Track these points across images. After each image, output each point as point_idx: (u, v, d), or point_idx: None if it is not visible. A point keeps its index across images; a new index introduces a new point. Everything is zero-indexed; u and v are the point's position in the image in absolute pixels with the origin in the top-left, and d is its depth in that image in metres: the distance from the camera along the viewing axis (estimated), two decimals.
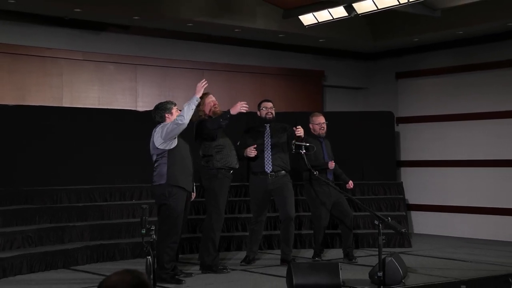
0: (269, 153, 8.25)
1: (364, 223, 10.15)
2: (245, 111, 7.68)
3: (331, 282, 6.53)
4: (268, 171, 8.23)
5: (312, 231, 9.09)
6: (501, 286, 7.16)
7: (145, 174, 8.93)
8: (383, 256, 6.04)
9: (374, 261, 6.83)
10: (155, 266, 5.81)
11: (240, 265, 8.25)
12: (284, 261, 8.13)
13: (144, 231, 5.71)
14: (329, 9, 9.63)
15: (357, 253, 9.05)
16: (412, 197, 12.01)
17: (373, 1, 9.16)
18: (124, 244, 8.81)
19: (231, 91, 11.26)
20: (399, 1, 8.93)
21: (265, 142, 8.31)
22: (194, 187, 7.59)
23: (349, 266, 8.15)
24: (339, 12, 9.57)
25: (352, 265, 8.36)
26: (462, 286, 6.40)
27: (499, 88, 11.21)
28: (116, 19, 10.15)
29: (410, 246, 9.91)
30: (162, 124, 7.20)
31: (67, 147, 9.34)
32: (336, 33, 11.12)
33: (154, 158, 7.26)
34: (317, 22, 9.96)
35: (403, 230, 7.41)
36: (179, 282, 7.12)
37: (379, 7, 9.21)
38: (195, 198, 7.75)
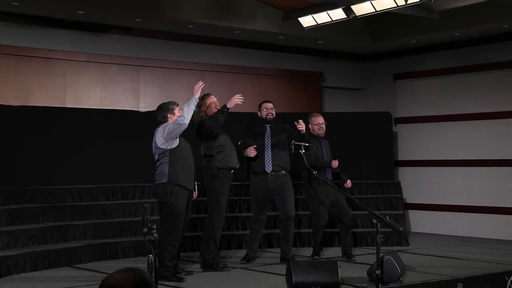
0: (269, 153, 8.25)
1: (363, 222, 10.15)
2: (241, 103, 7.66)
3: (330, 280, 6.53)
4: (268, 171, 8.23)
5: (311, 230, 9.09)
6: (497, 283, 7.16)
7: (146, 173, 8.95)
8: (381, 255, 6.03)
9: (372, 259, 6.83)
10: (157, 264, 5.81)
11: (241, 263, 8.25)
12: (283, 259, 8.13)
13: (146, 230, 5.71)
14: (328, 11, 9.62)
15: (356, 251, 9.05)
16: (409, 196, 12.01)
17: (371, 3, 9.15)
18: (126, 242, 8.81)
19: (231, 91, 11.18)
20: (397, 4, 8.92)
21: (265, 142, 8.31)
22: (196, 186, 7.58)
23: (347, 264, 8.15)
24: (338, 14, 9.56)
25: (351, 263, 8.36)
26: (458, 284, 6.39)
27: (496, 89, 11.21)
28: (119, 21, 10.15)
29: (407, 244, 9.92)
30: (164, 124, 7.21)
31: (70, 147, 9.34)
32: (335, 35, 11.12)
33: (156, 157, 7.26)
34: (316, 24, 9.95)
35: (400, 228, 7.43)
36: (180, 280, 7.12)
37: (377, 9, 9.20)
38: (196, 197, 7.74)
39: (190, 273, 7.49)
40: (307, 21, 10.03)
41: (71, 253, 8.21)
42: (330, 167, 8.70)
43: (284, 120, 8.69)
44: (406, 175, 12.18)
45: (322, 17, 9.80)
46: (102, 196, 9.42)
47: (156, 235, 5.71)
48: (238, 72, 11.61)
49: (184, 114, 7.03)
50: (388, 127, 11.78)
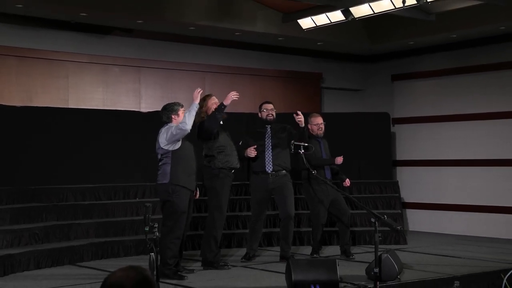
0: (269, 154, 8.25)
1: (361, 221, 10.15)
2: (236, 99, 7.66)
3: (329, 278, 6.53)
4: (269, 171, 8.23)
5: (310, 229, 9.09)
6: (493, 281, 7.16)
7: (148, 173, 8.96)
8: (379, 253, 6.03)
9: (371, 257, 6.83)
10: (158, 262, 5.81)
11: (241, 261, 8.25)
12: (283, 257, 8.13)
13: (147, 229, 5.71)
14: (327, 13, 9.64)
15: (354, 250, 9.05)
16: (407, 196, 12.01)
17: (369, 6, 9.16)
18: (128, 241, 8.81)
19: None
20: (395, 6, 8.93)
21: (266, 142, 8.31)
22: (197, 186, 7.58)
23: (346, 262, 8.15)
24: (337, 16, 9.57)
25: (349, 261, 8.36)
26: (455, 282, 6.38)
27: (493, 89, 11.21)
28: (120, 23, 10.16)
29: (405, 243, 9.91)
30: (167, 126, 7.21)
31: (72, 147, 9.34)
32: (334, 36, 11.12)
33: (159, 157, 7.26)
34: (315, 25, 9.96)
35: (398, 227, 7.42)
36: (181, 278, 7.12)
37: (375, 11, 9.21)
38: (198, 197, 7.72)
39: (191, 271, 7.49)
40: (306, 23, 10.04)
41: (73, 252, 8.21)
42: (334, 164, 8.69)
43: (284, 121, 8.69)
44: (404, 175, 12.18)
45: (321, 19, 9.81)
46: (104, 196, 9.42)
47: (157, 233, 5.71)
48: (238, 73, 11.61)
49: (185, 121, 7.04)
50: (386, 127, 11.78)
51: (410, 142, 12.27)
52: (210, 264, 7.71)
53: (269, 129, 8.37)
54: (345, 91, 13.15)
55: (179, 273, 7.23)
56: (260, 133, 8.38)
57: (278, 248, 8.62)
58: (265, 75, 11.96)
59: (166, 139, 7.12)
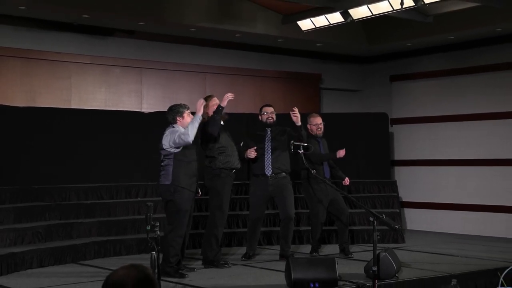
0: (269, 156, 8.26)
1: (360, 220, 10.15)
2: (232, 98, 7.65)
3: (328, 276, 6.53)
4: (268, 174, 8.23)
5: (309, 228, 9.09)
6: (490, 279, 7.16)
7: (149, 172, 8.97)
8: (377, 252, 6.03)
9: (369, 256, 6.82)
10: (160, 261, 5.81)
11: (241, 260, 8.25)
12: (283, 256, 8.13)
13: (149, 228, 5.71)
14: (326, 15, 9.64)
15: (353, 248, 9.04)
16: (405, 195, 12.01)
17: (368, 7, 9.17)
18: (129, 240, 8.81)
19: (232, 93, 11.23)
20: (393, 7, 8.93)
21: (266, 145, 8.31)
22: (198, 187, 7.57)
23: (345, 261, 8.15)
24: (336, 17, 9.58)
25: (348, 260, 8.36)
26: (453, 280, 6.37)
27: (489, 90, 11.21)
28: (122, 24, 10.16)
29: (403, 241, 9.91)
30: (172, 129, 7.19)
31: (74, 147, 9.34)
32: (332, 37, 11.12)
33: (161, 157, 7.27)
34: (314, 27, 9.97)
35: (396, 226, 7.40)
36: (182, 276, 7.12)
37: (373, 13, 9.22)
38: (200, 195, 7.71)
39: (192, 269, 7.50)
40: (305, 24, 10.05)
41: (76, 250, 8.21)
42: (336, 158, 8.68)
43: (284, 121, 8.70)
44: (402, 174, 12.18)
45: (320, 21, 9.81)
46: (106, 195, 9.42)
47: (158, 232, 5.71)
48: (239, 74, 11.62)
49: (188, 132, 7.04)
50: (384, 128, 11.78)
51: (408, 142, 12.27)
52: (210, 262, 7.71)
53: (269, 132, 8.37)
54: (344, 91, 13.16)
55: (180, 271, 7.23)
56: (260, 136, 8.38)
57: (277, 247, 8.62)
58: (265, 76, 11.96)
59: (168, 142, 7.14)
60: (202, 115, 7.62)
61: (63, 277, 7.18)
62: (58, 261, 7.94)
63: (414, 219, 12.00)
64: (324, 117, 9.08)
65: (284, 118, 8.83)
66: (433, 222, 11.70)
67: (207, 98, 7.86)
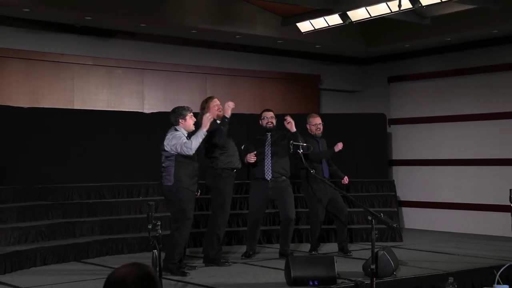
0: (269, 161, 8.27)
1: (358, 219, 10.15)
2: (233, 106, 7.66)
3: (327, 274, 6.53)
4: (268, 178, 8.24)
5: (309, 226, 9.09)
6: (486, 277, 7.16)
7: (151, 172, 8.97)
8: (375, 250, 6.03)
9: (367, 254, 6.83)
10: (161, 259, 5.81)
11: (241, 258, 8.25)
12: (282, 254, 8.13)
13: (150, 226, 5.71)
14: (325, 17, 9.64)
15: (351, 247, 9.05)
16: (403, 194, 12.01)
17: (366, 9, 9.17)
18: (131, 238, 8.82)
19: (232, 94, 11.25)
20: (391, 9, 8.93)
21: (266, 150, 8.32)
22: (198, 187, 7.59)
23: (344, 259, 8.14)
24: (335, 19, 9.58)
25: (347, 258, 8.36)
26: (450, 278, 6.37)
27: (485, 91, 11.22)
28: (124, 26, 10.16)
29: (401, 240, 9.92)
30: (174, 134, 7.17)
31: (77, 147, 9.35)
32: (331, 39, 11.12)
33: (162, 159, 7.27)
34: (313, 29, 9.97)
35: (394, 225, 7.39)
36: (183, 274, 7.13)
37: (372, 15, 9.22)
38: (199, 196, 7.73)
39: (193, 268, 7.50)
40: (305, 26, 10.05)
41: (79, 249, 8.22)
42: (334, 152, 8.68)
43: (283, 122, 8.69)
44: (399, 174, 12.18)
45: (319, 23, 9.81)
46: (108, 194, 9.43)
47: (160, 231, 5.71)
48: (239, 75, 11.61)
49: (191, 146, 7.06)
50: (382, 128, 11.79)
51: (405, 142, 12.27)
52: (211, 261, 7.72)
53: (269, 137, 8.38)
54: (342, 92, 13.16)
55: (181, 269, 7.23)
56: (260, 140, 8.39)
57: (277, 246, 8.63)
58: (265, 77, 11.96)
59: (170, 146, 7.15)
60: (203, 114, 7.64)
61: (66, 275, 7.19)
62: (61, 259, 7.95)
63: (412, 218, 12.00)
64: (323, 117, 9.08)
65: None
66: (430, 221, 11.70)
67: (208, 100, 7.86)
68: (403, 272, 7.21)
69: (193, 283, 6.72)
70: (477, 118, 11.25)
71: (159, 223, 5.69)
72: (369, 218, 5.88)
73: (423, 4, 8.64)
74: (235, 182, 8.11)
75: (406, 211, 12.11)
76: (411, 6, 8.70)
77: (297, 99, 12.18)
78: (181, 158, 7.16)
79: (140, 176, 9.68)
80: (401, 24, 10.55)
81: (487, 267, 7.48)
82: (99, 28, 10.14)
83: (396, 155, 12.38)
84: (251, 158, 8.20)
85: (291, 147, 7.97)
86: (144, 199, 9.36)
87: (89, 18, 9.46)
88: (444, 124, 11.71)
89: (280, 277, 6.81)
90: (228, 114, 7.63)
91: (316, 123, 8.79)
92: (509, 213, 7.63)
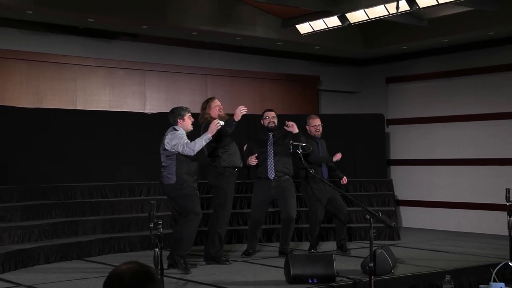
0: (271, 160, 8.27)
1: (357, 218, 10.15)
2: (245, 112, 7.67)
3: (326, 272, 6.54)
4: (271, 177, 8.25)
5: (308, 225, 9.10)
6: (483, 275, 7.17)
7: (152, 172, 8.96)
8: (374, 248, 6.04)
9: (366, 253, 6.84)
10: (162, 257, 5.81)
11: (241, 257, 8.25)
12: (282, 253, 8.13)
13: (152, 225, 5.72)
14: (324, 19, 9.65)
15: (350, 245, 9.05)
16: (401, 193, 12.02)
17: (364, 11, 9.17)
18: (133, 237, 8.82)
19: (233, 95, 11.27)
20: (388, 12, 8.94)
21: (268, 150, 8.32)
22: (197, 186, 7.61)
23: (342, 257, 8.15)
24: (333, 21, 9.58)
25: (346, 256, 8.36)
26: (447, 275, 6.39)
27: (482, 92, 11.23)
28: (126, 28, 10.17)
29: (399, 238, 9.92)
30: (175, 134, 7.19)
31: (80, 147, 9.35)
32: (330, 41, 11.13)
33: (163, 158, 7.28)
34: (313, 30, 9.97)
35: (392, 224, 7.41)
36: (186, 270, 7.16)
37: (370, 17, 9.22)
38: (199, 195, 7.74)
39: (194, 265, 7.50)
40: (304, 28, 10.05)
41: (81, 247, 8.22)
42: (332, 162, 8.71)
43: (283, 122, 8.70)
44: (397, 174, 12.19)
45: (319, 24, 9.82)
46: (110, 193, 9.43)
47: (161, 230, 5.72)
48: (239, 76, 11.62)
49: (194, 148, 7.11)
50: (380, 128, 11.79)
51: (403, 142, 12.28)
52: (212, 259, 7.72)
53: (271, 136, 8.39)
54: (341, 93, 13.17)
55: (187, 265, 7.27)
56: (262, 140, 8.40)
57: (277, 244, 8.63)
58: (265, 78, 11.97)
59: (171, 146, 7.16)
60: (205, 116, 7.65)
61: (69, 273, 7.20)
62: (64, 257, 7.95)
63: (410, 217, 12.00)
64: (322, 118, 9.09)
65: (283, 119, 8.84)
66: (427, 219, 11.71)
67: (209, 100, 7.87)
68: (401, 270, 7.22)
69: (194, 281, 6.72)
70: (474, 119, 11.26)
71: (160, 222, 5.70)
72: (368, 217, 5.89)
73: (421, 6, 8.65)
74: (236, 181, 8.11)
75: (403, 210, 12.11)
76: (408, 8, 8.71)
77: (296, 99, 12.19)
78: (182, 157, 7.18)
79: (141, 175, 9.69)
80: (399, 26, 10.56)
81: (484, 265, 7.49)
82: (101, 30, 10.15)
83: (394, 155, 12.39)
84: (252, 161, 8.22)
85: (291, 147, 7.98)
86: (146, 198, 9.36)
87: (92, 20, 9.47)
88: (441, 125, 11.71)
89: (280, 275, 6.81)
90: (238, 118, 7.61)
91: (315, 124, 8.80)
92: (505, 212, 7.64)
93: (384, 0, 8.83)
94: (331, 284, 6.46)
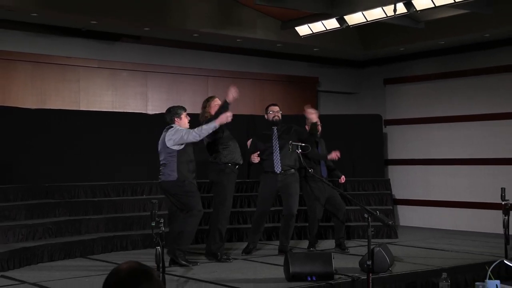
0: (277, 155, 8.26)
1: (355, 216, 10.15)
2: (236, 93, 7.61)
3: (325, 270, 6.54)
4: (278, 171, 8.24)
5: (307, 224, 9.10)
6: (479, 273, 7.17)
7: (154, 171, 8.93)
8: (372, 247, 6.04)
9: (364, 251, 6.84)
10: (164, 256, 5.82)
11: (242, 255, 8.25)
12: (281, 251, 8.13)
13: (153, 224, 5.72)
14: (323, 21, 9.65)
15: (348, 243, 9.04)
16: (398, 193, 12.02)
17: (362, 14, 9.18)
18: (135, 235, 8.82)
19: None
20: (386, 14, 8.94)
21: (273, 144, 8.31)
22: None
23: (341, 255, 8.15)
24: (332, 23, 9.59)
25: (344, 254, 8.37)
26: (443, 273, 6.40)
27: (478, 93, 11.23)
28: (129, 30, 10.17)
29: (396, 237, 9.92)
30: (175, 129, 7.22)
31: (83, 147, 9.36)
32: (329, 43, 11.13)
33: (163, 156, 7.28)
34: (312, 32, 9.98)
35: (390, 222, 7.43)
36: (188, 263, 7.20)
37: (368, 19, 9.23)
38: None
39: (195, 263, 7.50)
40: (303, 30, 10.06)
41: (84, 245, 8.23)
42: (328, 159, 8.72)
43: (284, 121, 8.70)
44: (395, 173, 12.19)
45: (318, 27, 9.83)
46: (113, 192, 9.43)
47: (163, 228, 5.72)
48: (240, 77, 11.62)
49: (199, 133, 7.15)
50: (378, 129, 11.79)
51: (401, 142, 12.28)
52: (213, 255, 7.73)
53: (275, 131, 8.38)
54: (340, 94, 13.17)
55: (187, 260, 7.30)
56: (267, 135, 8.39)
57: (277, 242, 8.64)
58: (265, 79, 11.97)
59: (174, 141, 7.17)
60: (205, 114, 7.65)
61: (73, 271, 7.20)
62: (67, 256, 7.96)
63: (407, 216, 12.01)
64: (321, 118, 9.07)
65: (283, 119, 8.84)
66: (424, 218, 11.71)
67: (209, 99, 7.89)
68: (398, 268, 7.22)
69: (195, 279, 6.73)
70: (470, 119, 11.26)
71: (162, 220, 5.71)
72: (366, 215, 5.89)
73: (418, 9, 8.65)
74: (237, 180, 8.12)
75: (401, 209, 12.12)
76: (406, 11, 8.71)
77: (296, 100, 12.18)
78: (182, 154, 7.18)
79: (143, 175, 9.69)
80: (396, 28, 10.56)
81: (479, 263, 7.49)
82: (104, 32, 10.15)
83: (392, 155, 12.39)
84: (255, 159, 8.22)
85: (290, 147, 7.98)
86: (148, 197, 9.37)
87: (95, 22, 9.47)
88: (438, 125, 11.72)
89: (279, 272, 6.81)
90: (229, 99, 7.58)
91: None
92: (501, 211, 7.65)
93: (382, 2, 8.84)
94: (330, 281, 6.46)
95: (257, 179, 9.37)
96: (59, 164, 9.13)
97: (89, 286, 6.46)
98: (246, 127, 10.19)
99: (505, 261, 6.97)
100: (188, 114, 7.57)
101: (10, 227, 7.85)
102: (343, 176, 9.00)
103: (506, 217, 7.54)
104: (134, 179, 9.66)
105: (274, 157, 8.24)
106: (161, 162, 7.34)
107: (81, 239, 8.28)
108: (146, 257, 7.50)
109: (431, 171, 11.80)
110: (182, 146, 7.23)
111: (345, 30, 9.77)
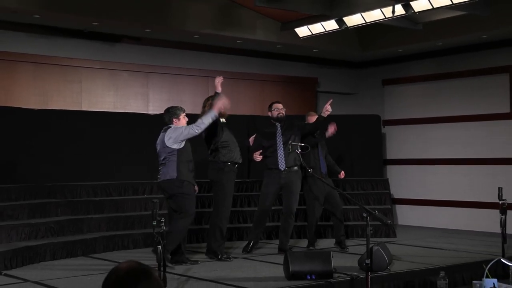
0: (281, 151, 8.25)
1: (354, 216, 10.15)
2: (222, 80, 7.62)
3: (324, 268, 6.54)
4: (282, 168, 8.23)
5: (306, 223, 9.10)
6: (476, 271, 7.17)
7: (155, 171, 8.95)
8: (370, 245, 6.04)
9: (363, 250, 6.84)
10: (165, 254, 5.82)
11: (242, 253, 8.24)
12: (281, 250, 8.13)
13: (155, 223, 5.73)
14: (322, 22, 9.65)
15: (347, 242, 9.03)
16: (396, 192, 12.02)
17: (361, 15, 9.18)
18: (137, 234, 8.82)
19: (233, 96, 11.20)
20: (385, 15, 8.94)
21: (277, 141, 8.31)
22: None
23: (340, 254, 8.16)
24: (331, 25, 9.59)
25: (343, 253, 8.37)
26: (441, 272, 6.40)
27: (475, 93, 11.23)
28: (130, 31, 10.17)
29: (395, 236, 9.92)
30: (173, 128, 7.22)
31: (84, 147, 9.36)
32: (328, 44, 11.13)
33: (163, 156, 7.28)
34: (311, 34, 9.98)
35: (388, 222, 7.43)
36: (188, 262, 7.20)
37: (367, 21, 9.23)
38: (197, 192, 7.75)
39: (195, 262, 7.51)
40: (303, 31, 10.06)
41: (86, 244, 8.23)
42: (330, 156, 8.72)
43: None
44: (393, 173, 12.19)
45: (317, 28, 9.82)
46: (114, 192, 9.43)
47: (164, 227, 5.72)
48: (240, 78, 11.62)
49: (199, 125, 7.15)
50: (377, 129, 11.79)
51: (399, 142, 12.28)
52: (213, 253, 7.73)
53: (279, 128, 8.38)
54: (339, 94, 13.16)
55: (183, 263, 7.28)
56: (271, 133, 8.39)
57: (276, 241, 8.63)
58: (265, 80, 11.97)
59: (174, 139, 7.17)
60: (205, 111, 7.65)
61: (75, 269, 7.21)
62: (69, 254, 7.96)
63: (405, 215, 12.01)
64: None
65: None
66: (422, 217, 11.71)
67: (210, 99, 7.88)
68: (397, 267, 7.22)
69: (195, 277, 6.73)
70: (467, 119, 11.26)
71: (163, 219, 5.72)
72: (364, 215, 5.88)
73: (416, 10, 8.65)
74: (236, 180, 8.11)
75: (399, 208, 12.11)
76: (404, 12, 8.71)
77: (295, 101, 12.18)
78: (181, 154, 7.17)
79: (145, 174, 9.68)
80: (394, 29, 10.57)
81: (477, 261, 7.48)
82: (106, 33, 10.15)
83: (390, 155, 12.39)
84: (257, 157, 8.22)
85: (290, 147, 7.98)
86: (149, 196, 9.37)
87: (96, 23, 9.47)
88: (436, 125, 11.72)
89: (279, 271, 6.81)
90: (217, 89, 7.58)
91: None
92: (498, 210, 7.65)
93: (380, 4, 8.84)
94: (329, 280, 6.47)
95: (258, 179, 9.39)
96: (61, 164, 9.13)
97: (90, 284, 6.46)
98: (246, 127, 10.19)
99: (502, 260, 6.97)
100: (189, 115, 7.57)
101: (13, 226, 7.85)
102: (342, 172, 9.01)
103: (503, 217, 7.55)
104: (135, 179, 9.66)
105: (279, 154, 8.24)
106: (160, 162, 7.33)
107: (83, 238, 8.28)
108: (148, 256, 7.51)
109: (429, 171, 11.80)
110: (182, 144, 7.21)
111: (344, 31, 9.76)
